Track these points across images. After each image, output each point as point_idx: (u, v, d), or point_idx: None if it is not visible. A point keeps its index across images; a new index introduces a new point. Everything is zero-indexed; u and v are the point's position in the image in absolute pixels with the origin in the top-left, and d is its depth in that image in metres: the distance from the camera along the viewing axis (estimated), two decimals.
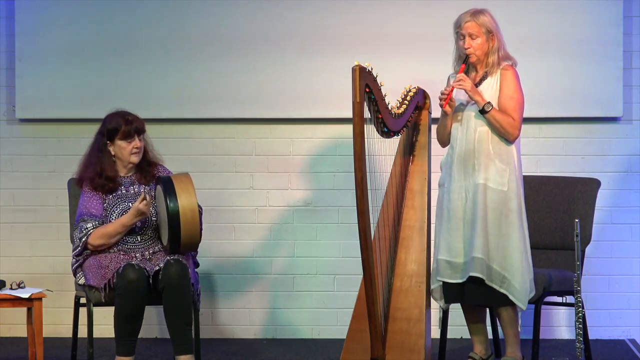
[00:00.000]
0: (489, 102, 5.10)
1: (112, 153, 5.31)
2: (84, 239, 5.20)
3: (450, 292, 5.20)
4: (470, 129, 5.15)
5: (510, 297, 5.07)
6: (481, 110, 5.10)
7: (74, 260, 5.27)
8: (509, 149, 5.14)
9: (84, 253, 5.23)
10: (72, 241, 5.29)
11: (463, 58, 5.17)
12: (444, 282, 5.20)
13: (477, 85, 5.16)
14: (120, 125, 5.26)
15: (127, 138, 5.27)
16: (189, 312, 5.10)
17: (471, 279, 5.10)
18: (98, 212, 5.25)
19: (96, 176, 5.28)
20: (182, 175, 5.22)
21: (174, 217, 5.08)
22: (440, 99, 5.13)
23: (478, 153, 5.13)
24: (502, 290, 5.08)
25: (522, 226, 5.14)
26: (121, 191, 5.31)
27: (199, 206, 5.22)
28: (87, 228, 5.21)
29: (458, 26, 5.16)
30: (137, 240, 5.28)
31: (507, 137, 5.13)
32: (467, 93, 5.12)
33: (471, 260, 5.08)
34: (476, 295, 5.14)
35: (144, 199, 5.12)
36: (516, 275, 5.07)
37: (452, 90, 5.13)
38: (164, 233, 5.23)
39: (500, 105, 5.13)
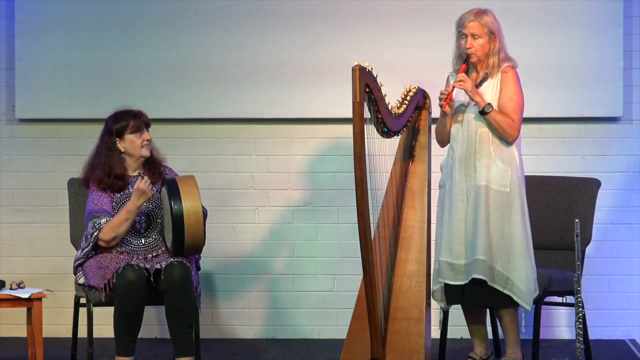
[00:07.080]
0: (489, 104, 5.09)
1: (122, 150, 5.30)
2: (95, 234, 5.18)
3: (452, 294, 5.20)
4: (471, 130, 5.14)
5: (514, 297, 5.06)
6: (481, 111, 5.09)
7: (79, 255, 5.25)
8: (509, 150, 5.13)
9: (91, 251, 5.20)
10: (85, 238, 5.23)
11: (464, 58, 5.15)
12: (445, 284, 5.20)
13: (477, 86, 5.15)
14: (129, 120, 5.27)
15: (138, 131, 5.28)
16: (191, 315, 5.09)
17: (473, 281, 5.09)
18: (110, 209, 5.24)
19: (105, 176, 5.26)
20: (187, 177, 5.20)
21: (177, 220, 5.07)
22: (440, 99, 5.12)
23: (479, 154, 5.12)
24: (505, 292, 5.07)
25: (525, 226, 5.13)
26: (129, 190, 5.29)
27: (204, 209, 5.21)
28: (100, 224, 5.19)
29: (461, 25, 5.14)
30: (142, 243, 5.27)
31: (506, 139, 5.11)
32: (467, 93, 5.11)
33: (473, 262, 5.07)
34: (478, 296, 5.13)
35: (142, 178, 5.12)
36: (520, 276, 5.06)
37: (452, 90, 5.12)
38: (168, 236, 5.22)
39: (500, 106, 5.11)
